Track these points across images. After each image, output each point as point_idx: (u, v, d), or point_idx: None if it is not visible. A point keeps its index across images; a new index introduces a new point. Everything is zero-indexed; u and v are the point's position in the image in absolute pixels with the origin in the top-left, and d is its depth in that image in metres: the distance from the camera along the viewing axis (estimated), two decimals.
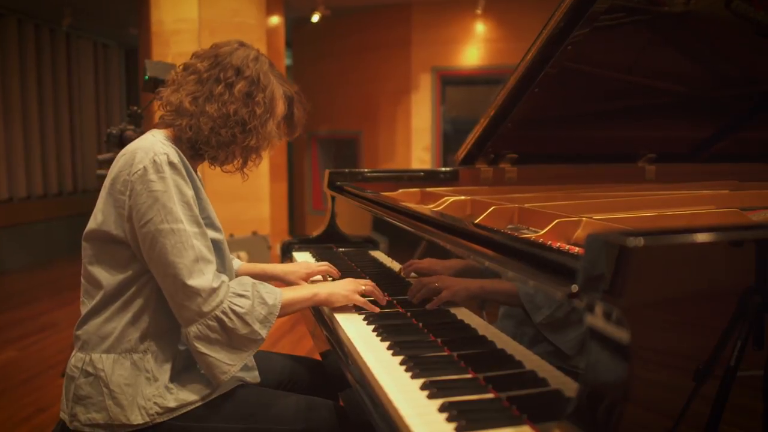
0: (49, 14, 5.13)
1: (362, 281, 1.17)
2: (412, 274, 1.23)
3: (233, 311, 0.98)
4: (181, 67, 1.10)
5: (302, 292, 1.10)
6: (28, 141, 5.16)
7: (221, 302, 0.97)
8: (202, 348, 0.97)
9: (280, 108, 1.13)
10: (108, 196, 1.01)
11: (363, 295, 1.15)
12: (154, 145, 1.00)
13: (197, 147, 1.07)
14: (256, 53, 1.11)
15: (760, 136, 1.77)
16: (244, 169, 1.15)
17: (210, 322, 0.97)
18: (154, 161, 0.97)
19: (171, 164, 0.98)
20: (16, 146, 5.03)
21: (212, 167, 1.14)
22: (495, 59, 4.95)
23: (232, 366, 0.99)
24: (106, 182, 1.02)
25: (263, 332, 1.01)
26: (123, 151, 1.02)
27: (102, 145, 5.88)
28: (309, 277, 1.36)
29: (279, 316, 1.04)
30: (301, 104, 1.19)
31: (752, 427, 0.66)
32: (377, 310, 1.13)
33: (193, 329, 0.97)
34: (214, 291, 0.97)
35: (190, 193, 1.00)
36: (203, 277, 0.97)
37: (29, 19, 5.13)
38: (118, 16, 5.28)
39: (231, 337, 0.98)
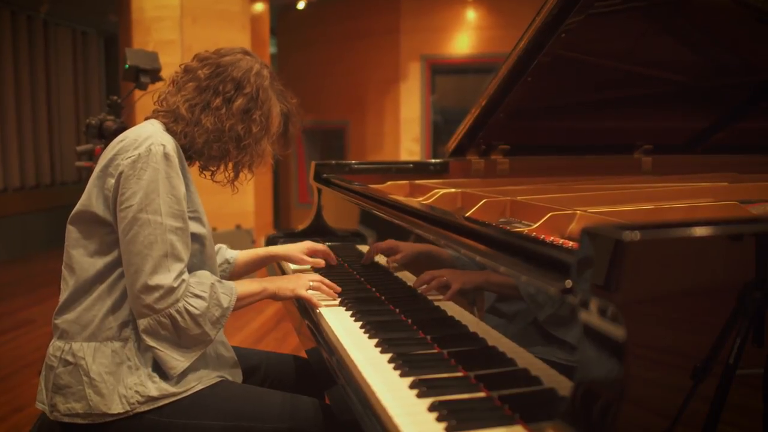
0: (27, 1, 4.99)
1: (311, 276, 1.21)
2: (390, 261, 1.22)
3: (187, 311, 0.98)
4: (182, 68, 1.11)
5: (253, 287, 1.12)
6: (5, 132, 5.05)
7: (177, 301, 0.98)
8: (150, 341, 0.98)
9: (276, 125, 1.15)
10: (97, 178, 1.01)
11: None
12: (153, 135, 1.01)
13: (189, 154, 1.09)
14: (259, 67, 1.11)
15: (759, 126, 1.76)
16: (234, 183, 1.17)
17: (162, 319, 0.97)
18: (150, 150, 0.98)
19: (166, 155, 0.99)
20: None
21: (202, 175, 1.16)
22: (486, 47, 4.91)
23: (181, 362, 0.99)
24: (100, 164, 1.02)
25: (213, 333, 1.02)
26: (122, 136, 1.03)
27: (81, 136, 5.76)
28: (310, 252, 1.38)
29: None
30: (297, 119, 1.21)
31: (752, 427, 0.65)
32: (319, 305, 1.14)
33: (144, 322, 0.98)
34: (172, 290, 0.97)
35: (181, 187, 1.01)
36: (167, 275, 0.97)
37: (5, 5, 4.99)
38: (97, 3, 5.16)
39: (181, 336, 0.99)
